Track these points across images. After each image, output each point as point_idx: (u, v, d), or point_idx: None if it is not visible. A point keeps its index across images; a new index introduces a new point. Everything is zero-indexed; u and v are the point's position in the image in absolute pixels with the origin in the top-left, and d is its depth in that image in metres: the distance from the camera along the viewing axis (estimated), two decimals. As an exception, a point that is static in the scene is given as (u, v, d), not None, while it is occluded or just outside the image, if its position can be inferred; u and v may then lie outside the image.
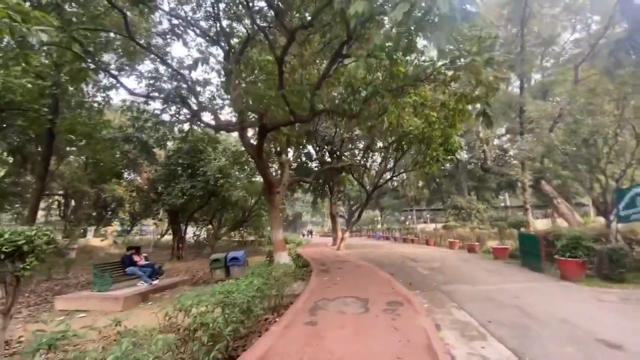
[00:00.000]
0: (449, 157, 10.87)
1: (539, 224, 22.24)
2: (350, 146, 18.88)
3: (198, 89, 9.65)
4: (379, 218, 47.88)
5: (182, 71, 8.41)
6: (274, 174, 14.69)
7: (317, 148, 20.54)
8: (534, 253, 9.48)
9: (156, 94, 9.21)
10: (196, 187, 18.06)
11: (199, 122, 10.17)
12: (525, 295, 6.54)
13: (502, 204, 39.14)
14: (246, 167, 20.73)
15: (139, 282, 8.68)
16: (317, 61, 9.75)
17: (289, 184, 11.76)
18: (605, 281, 7.31)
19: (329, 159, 18.41)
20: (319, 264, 11.41)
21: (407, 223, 36.78)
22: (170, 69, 8.19)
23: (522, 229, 12.46)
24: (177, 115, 10.71)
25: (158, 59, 8.07)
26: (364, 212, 50.14)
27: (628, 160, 11.14)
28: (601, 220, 17.63)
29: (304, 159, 25.49)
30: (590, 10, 18.11)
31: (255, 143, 9.41)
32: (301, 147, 24.81)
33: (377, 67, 8.55)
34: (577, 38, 22.46)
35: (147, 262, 9.21)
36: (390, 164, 21.60)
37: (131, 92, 9.04)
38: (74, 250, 21.90)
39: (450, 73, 9.22)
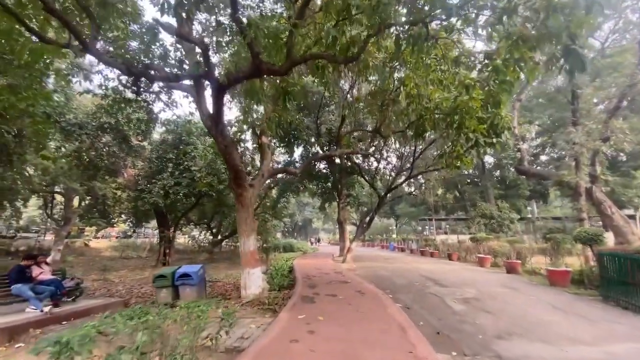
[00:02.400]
0: (493, 141, 7.37)
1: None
2: (354, 135, 15.32)
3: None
4: (394, 227, 43.87)
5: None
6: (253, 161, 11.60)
7: (323, 144, 17.34)
8: (636, 284, 5.83)
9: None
10: (181, 184, 15.30)
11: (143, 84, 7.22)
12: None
13: (529, 215, 34.36)
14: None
15: (30, 306, 5.74)
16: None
17: (269, 175, 8.59)
18: None
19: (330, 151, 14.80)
20: (307, 287, 8.12)
21: (425, 233, 32.77)
22: None
23: (596, 246, 8.69)
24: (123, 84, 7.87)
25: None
26: (377, 220, 46.22)
27: None
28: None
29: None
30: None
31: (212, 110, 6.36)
32: (307, 143, 21.75)
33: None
34: (619, 27, 18.39)
35: (51, 277, 6.25)
36: (408, 164, 18.18)
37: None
38: (58, 251, 19.60)
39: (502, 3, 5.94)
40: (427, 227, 35.88)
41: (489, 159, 29.66)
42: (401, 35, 6.05)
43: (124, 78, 8.26)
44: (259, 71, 5.44)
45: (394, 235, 40.69)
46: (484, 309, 6.30)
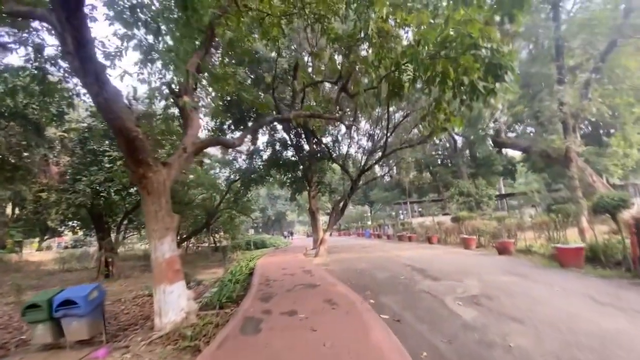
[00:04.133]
0: (493, 87, 5.33)
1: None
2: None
3: None
4: (369, 214, 42.45)
5: None
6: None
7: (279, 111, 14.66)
8: None
9: None
10: (113, 180, 12.30)
11: None
12: None
13: (497, 192, 34.03)
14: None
15: None
16: None
17: (196, 149, 6.00)
18: None
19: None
20: (258, 300, 5.77)
21: (400, 217, 31.45)
22: None
23: (623, 213, 7.03)
24: None
25: None
26: (352, 208, 44.47)
27: None
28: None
29: (277, 147, 19.94)
30: None
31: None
32: (272, 129, 19.23)
33: None
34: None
35: None
36: (379, 145, 16.18)
37: None
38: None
39: None
40: (401, 211, 34.63)
41: (458, 138, 28.64)
42: None
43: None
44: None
45: (369, 222, 39.23)
46: (507, 315, 4.29)
